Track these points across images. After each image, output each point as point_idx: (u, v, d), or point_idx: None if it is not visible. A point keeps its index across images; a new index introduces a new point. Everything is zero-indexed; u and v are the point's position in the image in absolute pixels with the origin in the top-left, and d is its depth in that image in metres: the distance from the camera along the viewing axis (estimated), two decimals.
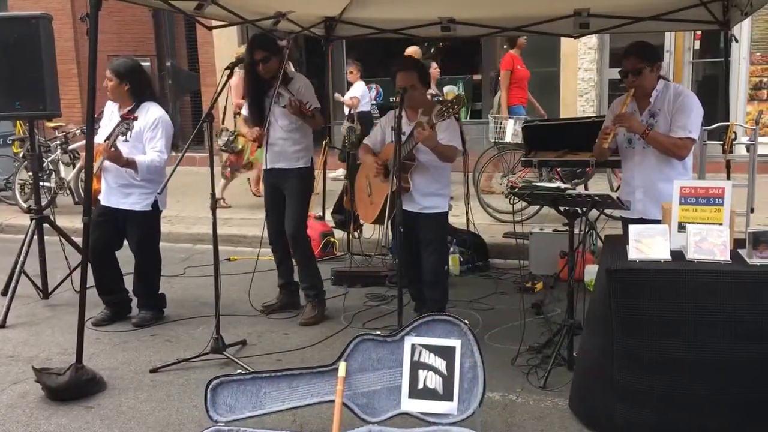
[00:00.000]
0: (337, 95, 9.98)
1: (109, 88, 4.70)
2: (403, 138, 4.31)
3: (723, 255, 3.17)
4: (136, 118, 4.54)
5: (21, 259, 5.29)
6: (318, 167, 6.61)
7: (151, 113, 4.71)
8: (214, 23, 5.59)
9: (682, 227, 3.35)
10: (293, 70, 4.99)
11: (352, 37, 6.62)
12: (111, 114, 4.80)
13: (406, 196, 4.32)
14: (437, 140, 4.15)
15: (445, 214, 4.60)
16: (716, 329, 3.02)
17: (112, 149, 4.45)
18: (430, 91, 7.89)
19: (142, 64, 5.07)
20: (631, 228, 3.32)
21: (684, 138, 3.96)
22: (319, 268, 5.14)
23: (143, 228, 4.84)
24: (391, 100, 9.93)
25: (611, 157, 5.29)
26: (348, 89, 9.99)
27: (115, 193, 4.77)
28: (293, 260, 5.06)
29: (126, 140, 4.54)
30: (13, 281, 5.19)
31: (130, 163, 4.57)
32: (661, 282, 3.09)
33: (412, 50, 8.68)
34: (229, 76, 4.23)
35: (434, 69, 9.44)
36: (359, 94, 9.47)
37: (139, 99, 4.73)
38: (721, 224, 3.31)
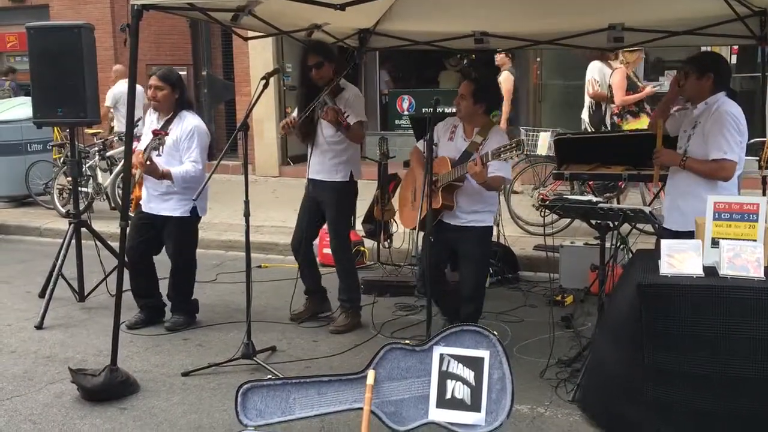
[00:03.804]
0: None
1: (159, 97, 4.78)
2: (458, 154, 4.34)
3: (756, 271, 3.14)
4: (167, 134, 4.67)
5: (59, 262, 5.42)
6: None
7: (188, 122, 4.81)
8: (250, 34, 5.69)
9: (715, 243, 3.32)
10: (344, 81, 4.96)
11: (385, 48, 6.68)
12: (150, 123, 4.91)
13: (449, 212, 4.35)
14: (486, 178, 4.10)
15: (489, 228, 4.49)
16: (750, 345, 2.99)
17: (148, 163, 4.56)
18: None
19: (179, 73, 5.20)
20: (663, 243, 3.30)
21: (720, 159, 3.81)
22: None
23: (180, 234, 4.92)
24: (423, 111, 9.97)
25: (643, 171, 5.28)
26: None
27: (154, 200, 4.88)
28: (337, 271, 5.06)
29: (159, 155, 4.67)
30: (51, 284, 5.32)
31: (165, 175, 4.68)
32: (693, 297, 3.07)
33: None
34: (265, 86, 4.29)
35: (500, 54, 8.99)
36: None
37: (180, 107, 4.85)
38: (755, 240, 3.27)
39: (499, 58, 9.19)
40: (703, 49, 9.32)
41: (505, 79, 8.96)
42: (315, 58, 4.74)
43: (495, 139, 4.28)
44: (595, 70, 7.85)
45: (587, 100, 8.01)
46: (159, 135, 4.60)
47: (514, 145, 3.94)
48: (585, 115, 8.07)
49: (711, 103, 3.94)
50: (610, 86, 7.54)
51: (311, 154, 4.92)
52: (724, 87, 4.00)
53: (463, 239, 4.40)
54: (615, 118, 7.61)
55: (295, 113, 5.07)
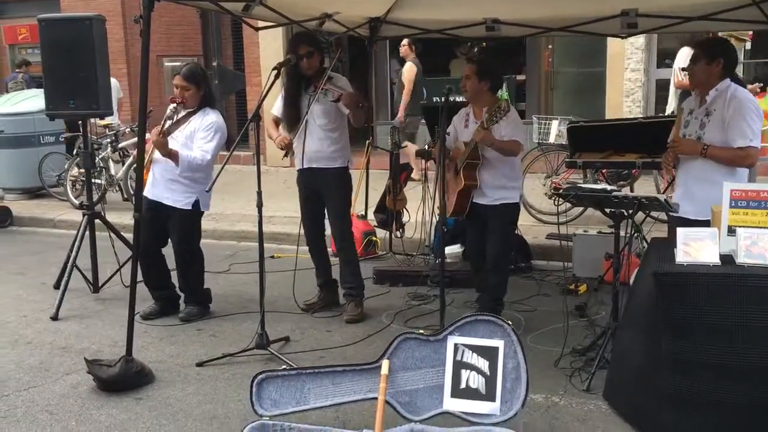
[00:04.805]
0: None
1: (187, 96, 4.80)
2: (468, 131, 4.57)
3: None
4: (183, 101, 4.75)
5: (73, 253, 5.45)
6: (361, 167, 6.66)
7: (209, 117, 4.84)
8: (261, 24, 5.67)
9: (732, 231, 3.29)
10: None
11: (396, 37, 6.65)
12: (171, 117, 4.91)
13: (477, 191, 4.59)
14: (494, 139, 4.38)
15: (515, 205, 4.70)
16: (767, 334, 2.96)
17: (160, 136, 4.59)
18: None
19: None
20: (679, 231, 3.28)
21: (745, 147, 3.82)
22: (361, 267, 5.17)
23: (183, 227, 4.93)
24: (434, 100, 9.97)
25: (657, 159, 5.24)
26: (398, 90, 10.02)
27: (158, 186, 4.88)
28: (339, 259, 5.08)
29: (173, 122, 4.70)
30: (66, 275, 5.35)
31: (173, 154, 4.67)
32: (710, 286, 3.04)
33: None
34: (276, 76, 4.28)
35: (404, 46, 9.16)
36: None
37: (205, 103, 4.88)
38: None
39: (403, 49, 9.22)
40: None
41: (408, 70, 9.09)
42: (306, 48, 4.75)
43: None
44: (682, 58, 7.21)
45: (672, 91, 7.64)
46: (176, 102, 4.69)
47: (501, 105, 4.32)
48: (670, 107, 7.65)
49: (722, 90, 3.95)
50: None
51: (304, 143, 4.87)
52: (731, 73, 4.03)
53: (490, 216, 4.61)
54: None
55: (277, 104, 5.01)
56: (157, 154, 4.76)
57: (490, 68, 4.67)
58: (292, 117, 4.87)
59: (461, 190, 4.54)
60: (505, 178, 4.59)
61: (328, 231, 5.17)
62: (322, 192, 4.96)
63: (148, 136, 4.60)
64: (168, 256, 5.08)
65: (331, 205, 4.96)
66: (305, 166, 4.95)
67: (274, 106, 5.06)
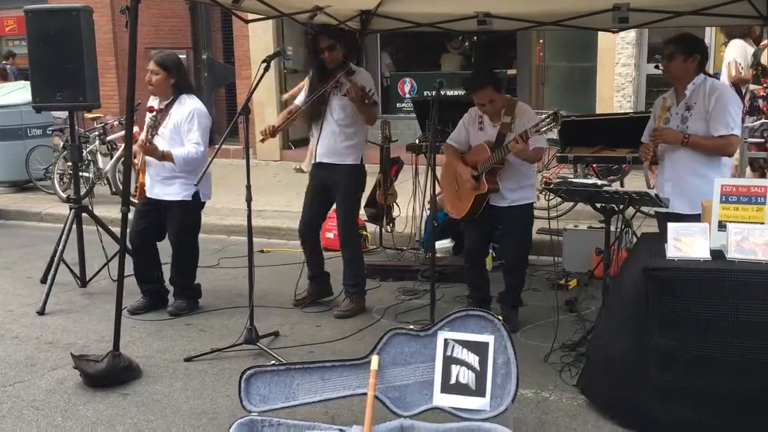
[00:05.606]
0: None
1: (154, 81, 4.76)
2: (493, 138, 4.44)
3: (765, 255, 3.11)
4: (160, 110, 4.71)
5: (60, 247, 5.39)
6: None
7: (187, 105, 4.77)
8: (251, 16, 5.62)
9: (722, 226, 3.29)
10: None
11: (387, 30, 6.62)
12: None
13: (495, 194, 4.51)
14: (530, 153, 4.32)
15: (531, 204, 4.65)
16: (758, 329, 2.97)
17: (147, 144, 4.56)
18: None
19: (179, 56, 5.15)
20: (670, 226, 3.27)
21: (727, 135, 3.91)
22: None
23: (183, 218, 4.89)
24: (425, 94, 9.92)
25: None
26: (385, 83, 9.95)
27: (157, 185, 4.85)
28: (343, 256, 5.04)
29: (155, 134, 4.66)
30: (53, 269, 5.30)
31: (166, 156, 4.64)
32: (701, 281, 3.04)
33: None
34: (266, 69, 4.24)
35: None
36: None
37: (180, 92, 4.81)
38: (763, 224, 3.24)
39: None
40: (707, 31, 9.26)
41: None
42: (327, 41, 4.71)
43: (525, 115, 4.42)
44: (737, 51, 6.72)
45: None
46: (153, 112, 4.64)
47: (552, 118, 4.07)
48: None
49: (699, 83, 4.03)
50: (758, 65, 6.51)
51: (318, 137, 4.85)
52: (703, 68, 4.10)
53: (509, 218, 4.55)
54: (760, 101, 6.49)
55: (300, 98, 4.99)
56: (147, 157, 4.73)
57: (494, 75, 4.54)
58: (315, 110, 4.83)
59: (481, 194, 4.44)
60: (524, 177, 4.53)
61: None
62: (331, 187, 4.92)
63: (136, 129, 4.57)
64: (162, 250, 5.04)
65: (339, 202, 4.93)
66: (317, 161, 4.91)
67: (298, 97, 5.05)
